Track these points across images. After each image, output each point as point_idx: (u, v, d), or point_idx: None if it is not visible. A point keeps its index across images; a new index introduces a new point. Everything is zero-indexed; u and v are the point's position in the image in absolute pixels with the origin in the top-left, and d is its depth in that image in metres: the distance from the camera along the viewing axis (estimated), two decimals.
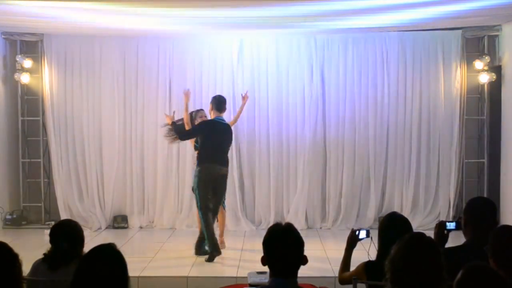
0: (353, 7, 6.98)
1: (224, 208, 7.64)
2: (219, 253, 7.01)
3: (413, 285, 2.58)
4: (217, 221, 7.44)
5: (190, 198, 8.68)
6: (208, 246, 7.04)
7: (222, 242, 7.46)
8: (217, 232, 7.33)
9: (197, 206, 7.17)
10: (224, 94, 8.90)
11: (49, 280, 3.62)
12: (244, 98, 7.96)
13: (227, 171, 7.34)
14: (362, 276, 3.83)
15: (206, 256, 7.00)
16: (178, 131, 7.34)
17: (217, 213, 7.25)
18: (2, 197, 8.99)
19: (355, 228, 4.29)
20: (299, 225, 8.38)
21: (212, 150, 7.16)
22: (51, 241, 3.78)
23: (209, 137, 7.19)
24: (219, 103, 7.44)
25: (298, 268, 2.95)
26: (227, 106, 8.95)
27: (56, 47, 9.10)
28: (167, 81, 9.10)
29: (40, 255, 3.83)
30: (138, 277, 6.27)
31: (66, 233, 3.77)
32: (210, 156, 7.14)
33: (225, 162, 7.28)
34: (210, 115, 7.50)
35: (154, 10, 7.15)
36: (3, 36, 9.04)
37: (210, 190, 7.11)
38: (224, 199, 7.56)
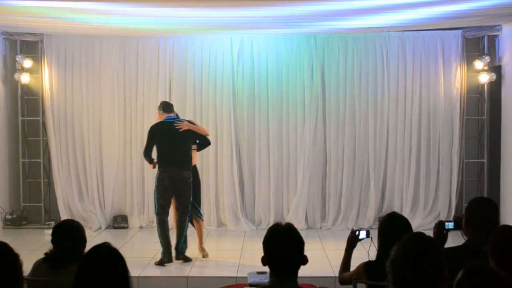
0: (353, 7, 6.99)
1: (201, 218, 7.23)
2: (169, 261, 6.82)
3: (414, 284, 2.59)
4: (195, 228, 7.23)
5: None
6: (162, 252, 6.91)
7: (203, 251, 7.19)
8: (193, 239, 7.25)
9: (154, 209, 7.08)
10: (224, 94, 9.01)
11: (50, 280, 3.61)
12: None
13: (188, 175, 6.88)
14: (362, 276, 3.84)
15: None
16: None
17: (185, 214, 6.91)
18: (2, 197, 8.99)
19: (355, 228, 4.29)
20: (299, 225, 8.39)
21: (168, 153, 6.85)
22: (53, 241, 3.76)
23: (161, 141, 6.90)
24: (165, 104, 7.16)
25: (298, 268, 2.95)
26: (227, 106, 9.05)
27: (56, 47, 9.10)
28: (167, 81, 9.10)
29: (40, 255, 3.83)
30: (138, 277, 6.28)
31: (68, 233, 3.76)
32: (167, 159, 6.83)
33: (185, 165, 6.85)
34: (158, 119, 7.16)
35: (154, 10, 7.15)
36: (3, 36, 9.04)
37: (171, 194, 6.88)
38: (198, 209, 7.17)
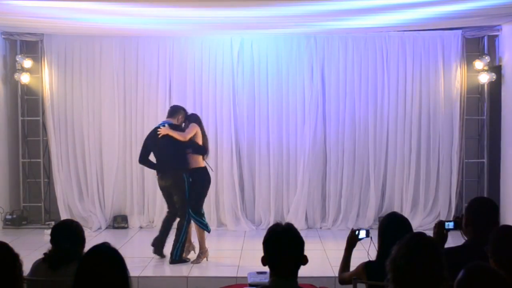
0: (353, 7, 6.98)
1: (199, 226, 7.00)
2: (154, 244, 7.14)
3: (414, 284, 2.58)
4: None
5: None
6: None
7: (198, 257, 7.06)
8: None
9: None
10: (224, 94, 9.01)
11: (49, 280, 3.61)
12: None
13: (176, 177, 6.93)
14: (362, 276, 3.84)
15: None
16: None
17: (183, 217, 6.99)
18: (2, 197, 8.99)
19: (355, 228, 4.29)
20: (299, 225, 8.38)
21: (157, 157, 7.22)
22: (52, 241, 3.76)
23: (152, 146, 7.17)
24: (169, 109, 7.42)
25: (298, 268, 2.95)
26: (227, 106, 9.05)
27: (56, 47, 9.10)
28: (167, 81, 9.10)
29: (40, 255, 3.83)
30: (138, 277, 6.28)
31: (68, 233, 3.76)
32: (158, 163, 7.22)
33: (169, 168, 6.98)
34: None
35: (154, 10, 7.15)
36: (3, 36, 9.04)
37: (167, 196, 7.15)
38: (192, 214, 6.95)
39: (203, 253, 7.05)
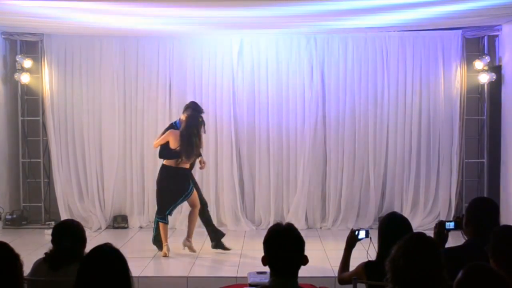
0: (353, 7, 6.99)
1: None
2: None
3: (413, 284, 2.59)
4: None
5: None
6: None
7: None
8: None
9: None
10: (224, 94, 9.02)
11: (49, 280, 3.61)
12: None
13: None
14: (362, 276, 3.84)
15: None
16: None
17: (204, 206, 7.64)
18: (2, 197, 8.98)
19: (354, 228, 4.30)
20: (299, 225, 8.38)
21: None
22: (53, 241, 3.76)
23: None
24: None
25: (298, 268, 2.96)
26: (227, 106, 9.05)
27: (56, 47, 9.10)
28: (167, 81, 9.10)
29: (40, 255, 3.82)
30: (138, 277, 6.26)
31: (69, 233, 3.76)
32: None
33: None
34: None
35: (154, 10, 7.15)
36: (3, 36, 9.04)
37: None
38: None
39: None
